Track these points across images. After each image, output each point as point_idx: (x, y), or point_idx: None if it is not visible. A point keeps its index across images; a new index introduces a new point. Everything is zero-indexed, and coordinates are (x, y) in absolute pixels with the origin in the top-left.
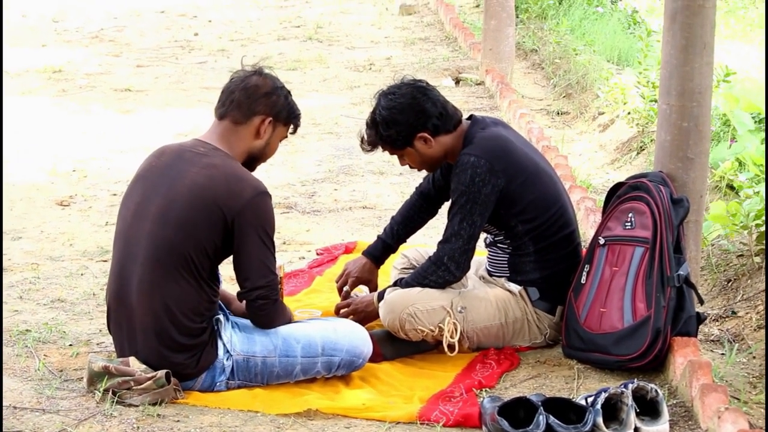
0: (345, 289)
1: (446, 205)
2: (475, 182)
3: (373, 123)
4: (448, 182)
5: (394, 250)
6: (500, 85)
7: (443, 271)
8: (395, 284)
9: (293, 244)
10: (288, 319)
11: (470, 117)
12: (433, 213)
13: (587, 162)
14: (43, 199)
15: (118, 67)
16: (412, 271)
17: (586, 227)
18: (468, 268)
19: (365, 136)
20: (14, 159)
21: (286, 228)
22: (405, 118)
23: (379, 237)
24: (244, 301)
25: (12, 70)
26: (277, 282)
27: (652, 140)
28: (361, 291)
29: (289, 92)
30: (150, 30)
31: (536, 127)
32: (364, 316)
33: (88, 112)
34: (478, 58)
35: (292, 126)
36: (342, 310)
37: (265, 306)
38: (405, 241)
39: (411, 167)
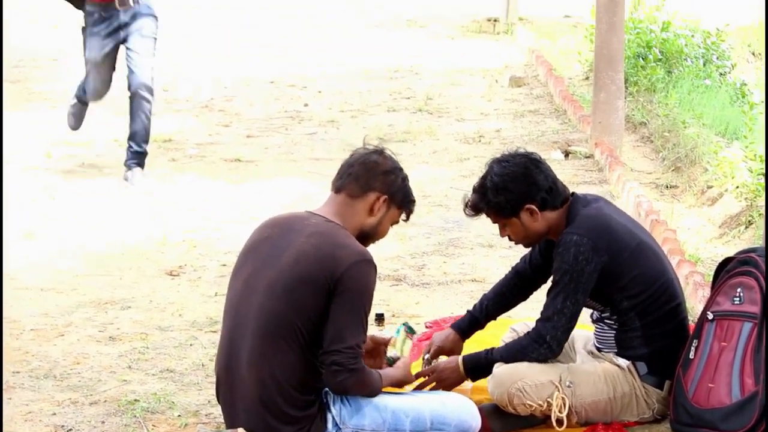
0: (426, 357)
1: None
2: (578, 261)
3: (481, 188)
4: (545, 261)
5: (482, 326)
6: (609, 159)
7: (545, 348)
8: (487, 354)
9: (402, 316)
10: (370, 393)
11: (572, 194)
12: (526, 294)
13: (696, 236)
14: (153, 269)
15: (228, 137)
16: None
17: (695, 302)
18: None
19: (470, 201)
20: (125, 228)
21: (395, 300)
22: (516, 186)
23: (468, 311)
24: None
25: (122, 139)
26: (358, 351)
27: (760, 214)
28: None
29: (406, 176)
30: (260, 100)
31: (645, 201)
32: (450, 382)
33: (198, 182)
34: (588, 131)
35: (405, 213)
36: (425, 378)
37: (338, 373)
38: (494, 318)
39: (510, 239)
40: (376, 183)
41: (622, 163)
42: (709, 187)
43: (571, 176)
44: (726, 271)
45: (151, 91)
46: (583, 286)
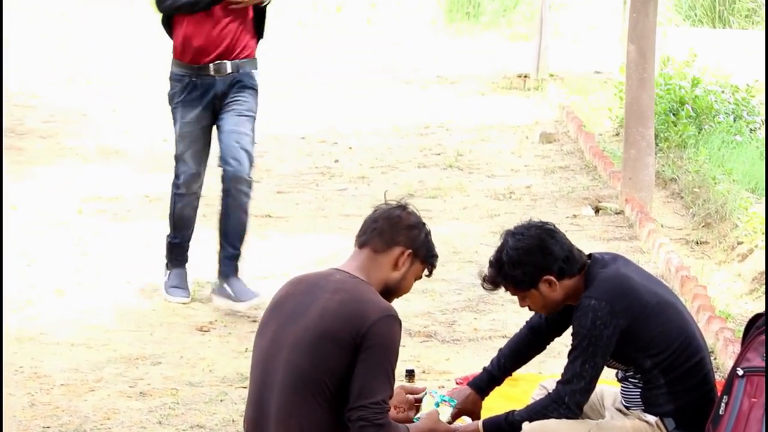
0: (446, 418)
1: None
2: (596, 325)
3: (498, 262)
4: (561, 316)
5: (499, 382)
6: (640, 215)
7: (564, 410)
8: (507, 417)
9: (432, 373)
10: None
11: (589, 256)
12: (542, 348)
13: (726, 292)
14: (184, 325)
15: (259, 192)
16: None
17: (725, 358)
18: (583, 409)
19: (487, 275)
20: (155, 283)
21: (425, 357)
22: (532, 259)
23: (485, 369)
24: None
25: (153, 194)
26: (384, 407)
27: None
28: (463, 421)
29: (429, 231)
30: (290, 156)
31: (675, 258)
32: None
33: None
34: (618, 187)
35: (428, 268)
36: None
37: (365, 428)
38: (511, 375)
39: (530, 309)
40: (400, 238)
41: (653, 219)
42: (740, 243)
43: (602, 232)
44: (756, 327)
45: (250, 184)
46: (602, 350)
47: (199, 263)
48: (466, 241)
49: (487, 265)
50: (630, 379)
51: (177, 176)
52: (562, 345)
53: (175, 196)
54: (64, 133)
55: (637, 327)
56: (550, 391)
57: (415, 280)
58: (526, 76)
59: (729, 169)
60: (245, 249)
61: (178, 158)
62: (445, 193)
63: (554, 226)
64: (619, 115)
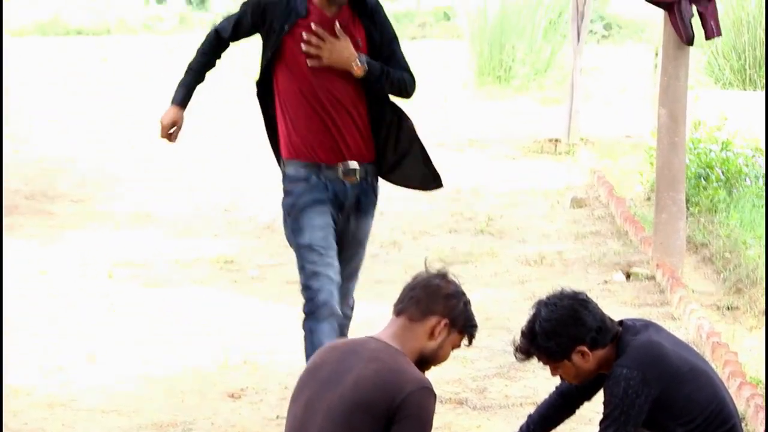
0: None
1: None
2: (628, 394)
3: (530, 333)
4: (591, 382)
5: None
6: (671, 280)
7: None
8: None
9: None
10: None
11: (621, 323)
12: (571, 412)
13: (757, 358)
14: (214, 392)
15: (290, 258)
16: None
17: (756, 424)
18: None
19: (520, 345)
20: (186, 350)
21: (456, 424)
22: (565, 330)
23: None
24: None
25: (184, 260)
26: None
27: None
28: None
29: (468, 301)
30: None
31: (706, 324)
32: None
33: (260, 304)
34: (649, 252)
35: (467, 337)
36: None
37: None
38: None
39: (562, 378)
40: (437, 307)
41: (684, 284)
42: None
43: (633, 298)
44: None
45: (349, 317)
46: (633, 419)
47: (230, 328)
48: (497, 307)
49: (519, 334)
50: None
51: (309, 311)
52: (593, 412)
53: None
54: (95, 198)
55: (669, 395)
56: None
57: (453, 349)
58: (557, 140)
59: (760, 234)
60: None
61: (305, 284)
62: (476, 258)
63: (586, 296)
64: (650, 180)
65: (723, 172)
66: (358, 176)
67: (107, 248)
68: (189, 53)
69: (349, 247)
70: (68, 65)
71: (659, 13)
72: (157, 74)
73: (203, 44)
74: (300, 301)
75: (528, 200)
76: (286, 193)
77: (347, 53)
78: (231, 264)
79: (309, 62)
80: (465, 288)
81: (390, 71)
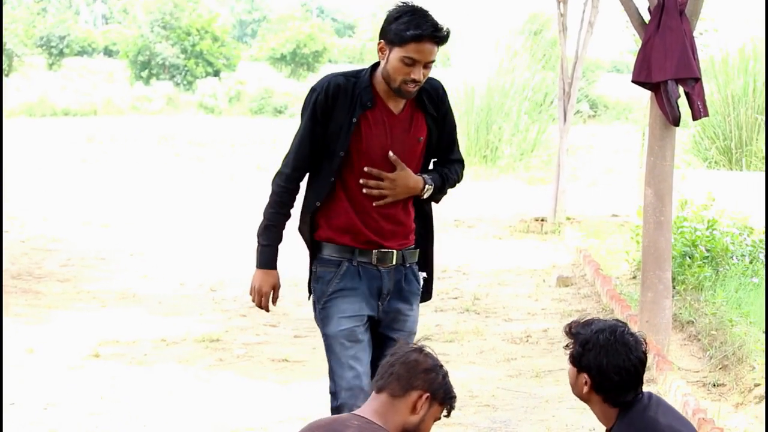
0: None
1: None
2: None
3: (583, 330)
4: None
5: None
6: (657, 358)
7: None
8: None
9: None
10: None
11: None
12: None
13: None
14: None
15: (276, 336)
16: None
17: None
18: None
19: (571, 328)
20: (171, 427)
21: None
22: (593, 356)
23: None
24: None
25: (170, 339)
26: None
27: None
28: None
29: (447, 373)
30: (307, 300)
31: (692, 400)
32: None
33: (246, 383)
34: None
35: (446, 409)
36: None
37: None
38: None
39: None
40: (417, 381)
41: (670, 362)
42: (756, 385)
43: None
44: None
45: None
46: None
47: (216, 406)
48: (482, 385)
49: (583, 322)
50: None
51: (334, 398)
52: None
53: None
54: (81, 277)
55: None
56: None
57: (434, 422)
58: (543, 220)
59: (746, 312)
60: None
61: (332, 370)
62: (461, 336)
63: (644, 361)
64: (636, 258)
65: (708, 251)
66: (394, 261)
67: (93, 327)
68: (177, 134)
69: (399, 336)
70: (55, 145)
71: (646, 94)
72: (145, 155)
73: (279, 196)
74: (286, 378)
75: (514, 279)
76: (317, 278)
77: (412, 183)
78: (217, 342)
79: (374, 204)
80: (450, 366)
81: (448, 177)
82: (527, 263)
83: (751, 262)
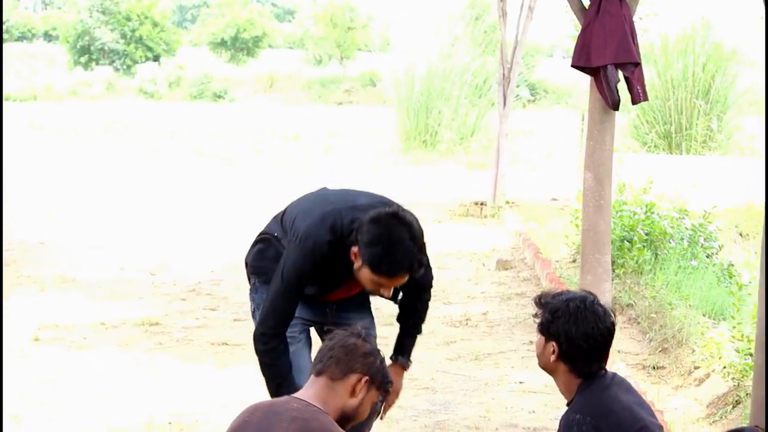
0: None
1: None
2: None
3: (552, 300)
4: None
5: None
6: None
7: None
8: None
9: None
10: None
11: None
12: None
13: (683, 416)
14: None
15: (215, 320)
16: None
17: None
18: None
19: (539, 298)
20: (111, 411)
21: None
22: (562, 323)
23: None
24: None
25: (109, 323)
26: None
27: (747, 394)
28: None
29: (384, 359)
30: (247, 284)
31: (632, 383)
32: None
33: (185, 366)
34: None
35: (382, 394)
36: None
37: None
38: None
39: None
40: (356, 365)
41: None
42: (696, 368)
43: None
44: None
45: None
46: None
47: (155, 389)
48: (422, 368)
49: (550, 294)
50: None
51: None
52: None
53: None
54: (21, 262)
55: None
56: None
57: (371, 406)
58: (482, 204)
59: (686, 295)
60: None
61: None
62: None
63: (613, 327)
64: (575, 242)
65: (647, 234)
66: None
67: (33, 311)
68: (117, 119)
69: None
70: None
71: (586, 79)
72: (84, 140)
73: (277, 354)
74: (225, 362)
75: (454, 262)
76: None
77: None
78: (156, 326)
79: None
80: (390, 350)
81: (417, 324)
82: (467, 247)
83: (689, 246)
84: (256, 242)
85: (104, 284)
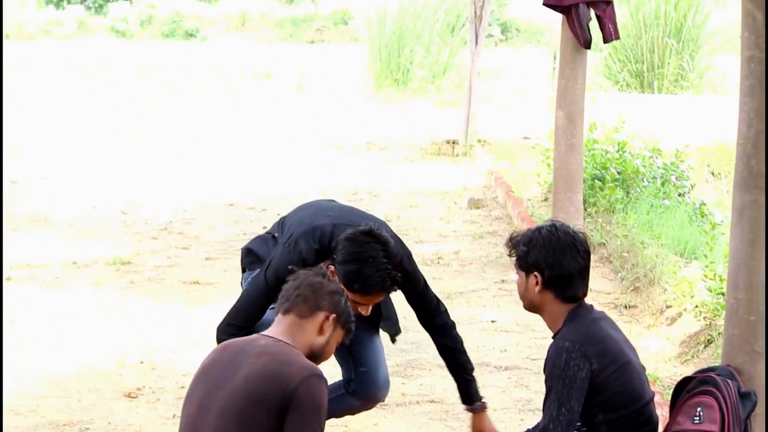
0: None
1: None
2: (570, 366)
3: (524, 235)
4: None
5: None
6: None
7: None
8: None
9: None
10: None
11: (582, 302)
12: None
13: (655, 355)
14: (112, 391)
15: (187, 259)
16: None
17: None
18: None
19: (510, 239)
20: (82, 350)
21: (353, 421)
22: (541, 251)
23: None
24: None
25: (81, 261)
26: None
27: (719, 334)
28: None
29: (347, 298)
30: (219, 223)
31: None
32: None
33: (157, 305)
34: None
35: (346, 334)
36: None
37: None
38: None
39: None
40: (324, 303)
41: None
42: (668, 307)
43: None
44: (686, 390)
45: None
46: (576, 393)
47: (127, 328)
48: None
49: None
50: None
51: None
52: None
53: None
54: None
55: (604, 379)
56: None
57: (336, 345)
58: (454, 142)
59: (658, 234)
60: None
61: None
62: None
63: (588, 250)
64: (547, 181)
65: (619, 173)
66: None
67: (4, 251)
68: (88, 57)
69: None
70: None
71: (557, 17)
72: (55, 78)
73: None
74: (197, 300)
75: (425, 201)
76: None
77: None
78: (128, 265)
79: None
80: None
81: (469, 366)
82: (439, 185)
83: (662, 185)
84: (258, 236)
85: (76, 223)
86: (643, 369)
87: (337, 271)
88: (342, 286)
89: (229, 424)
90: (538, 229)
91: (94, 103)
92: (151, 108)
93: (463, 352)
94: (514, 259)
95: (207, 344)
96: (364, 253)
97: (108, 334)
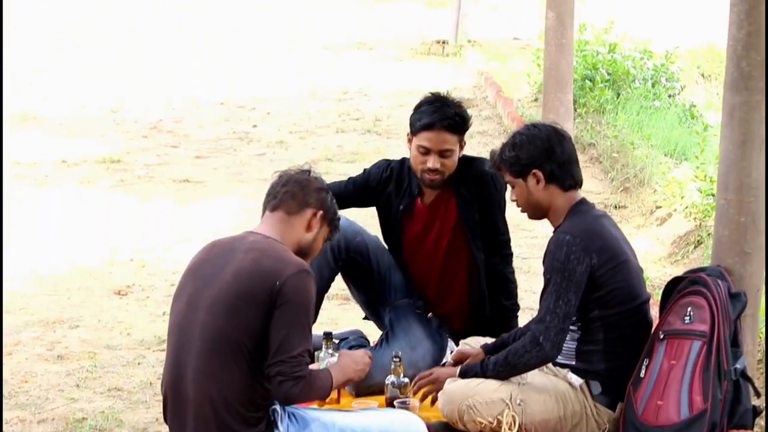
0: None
1: None
2: (570, 260)
3: (504, 144)
4: None
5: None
6: None
7: (537, 351)
8: (483, 362)
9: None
10: (322, 395)
11: (583, 199)
12: None
13: (645, 256)
14: (101, 288)
15: (177, 157)
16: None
17: None
18: (561, 349)
19: (492, 156)
20: (72, 248)
21: (343, 319)
22: (531, 148)
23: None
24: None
25: (71, 160)
26: (303, 360)
27: (709, 234)
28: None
29: (333, 196)
30: (209, 121)
31: None
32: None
33: (146, 203)
34: None
35: (332, 231)
36: (422, 380)
37: (284, 383)
38: None
39: (517, 205)
40: (311, 199)
41: None
42: (658, 208)
43: None
44: (677, 290)
45: None
46: (574, 287)
47: (117, 226)
48: None
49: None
50: (569, 329)
51: None
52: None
53: None
54: None
55: (602, 274)
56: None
57: (323, 242)
58: (444, 42)
59: (648, 135)
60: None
61: None
62: (363, 157)
63: (568, 135)
64: (537, 81)
65: (609, 74)
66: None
67: None
68: None
69: None
70: None
71: None
72: None
73: None
74: (187, 198)
75: (415, 101)
76: None
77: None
78: (118, 164)
79: None
80: None
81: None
82: (428, 85)
83: (653, 86)
84: None
85: (65, 122)
86: (641, 270)
87: (409, 123)
88: (414, 138)
89: (217, 320)
90: (517, 132)
91: (82, 3)
92: (138, 7)
93: (513, 291)
94: (504, 177)
95: (197, 242)
96: (433, 97)
97: (97, 232)
